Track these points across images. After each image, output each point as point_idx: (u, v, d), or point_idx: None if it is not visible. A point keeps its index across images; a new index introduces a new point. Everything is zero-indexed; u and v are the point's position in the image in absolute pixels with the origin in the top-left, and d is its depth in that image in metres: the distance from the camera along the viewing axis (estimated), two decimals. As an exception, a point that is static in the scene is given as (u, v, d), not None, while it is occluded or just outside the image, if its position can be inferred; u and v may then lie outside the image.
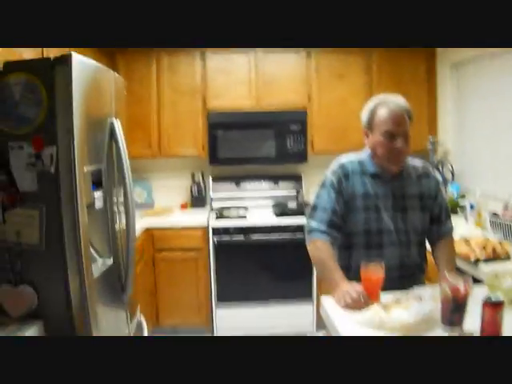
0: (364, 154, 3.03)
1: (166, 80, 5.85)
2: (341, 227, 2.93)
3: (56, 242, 2.68)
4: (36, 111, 2.63)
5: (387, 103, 2.85)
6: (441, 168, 5.97)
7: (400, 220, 2.93)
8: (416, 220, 2.98)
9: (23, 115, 2.63)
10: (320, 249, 2.87)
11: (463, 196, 5.54)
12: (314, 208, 2.98)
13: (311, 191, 6.43)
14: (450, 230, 3.14)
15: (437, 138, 6.23)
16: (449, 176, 5.90)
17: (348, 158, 3.02)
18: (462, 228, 4.72)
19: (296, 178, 6.42)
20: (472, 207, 5.13)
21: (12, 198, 2.67)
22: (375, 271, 2.55)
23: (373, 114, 2.88)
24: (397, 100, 2.88)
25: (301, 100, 6.01)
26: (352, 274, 2.82)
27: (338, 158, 3.05)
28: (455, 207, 5.43)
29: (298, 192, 6.30)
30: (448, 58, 6.03)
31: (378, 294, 2.55)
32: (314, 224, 2.93)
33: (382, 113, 2.83)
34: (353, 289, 2.55)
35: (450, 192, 5.68)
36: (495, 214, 4.30)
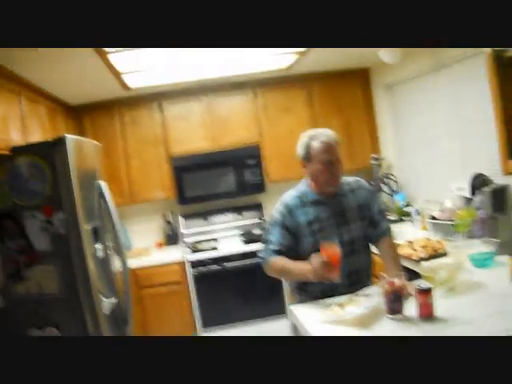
0: (302, 186, 3.44)
1: (130, 133, 6.36)
2: (289, 256, 3.28)
3: (71, 289, 3.30)
4: (43, 185, 3.28)
5: (318, 136, 3.23)
6: (386, 181, 6.56)
7: (345, 233, 3.29)
8: (358, 229, 3.35)
9: (33, 189, 3.28)
10: (275, 263, 3.27)
11: (409, 204, 6.14)
12: (265, 241, 3.40)
13: None
14: (387, 229, 3.45)
15: (380, 154, 6.79)
16: (395, 187, 6.48)
17: (289, 196, 3.41)
18: (410, 232, 5.32)
19: (257, 207, 6.95)
20: (417, 213, 5.76)
21: (31, 258, 3.29)
22: (331, 247, 2.95)
23: (308, 147, 3.25)
24: (325, 132, 3.27)
25: (253, 136, 6.55)
26: (309, 293, 3.35)
27: (281, 198, 3.43)
28: (403, 214, 6.02)
29: (260, 219, 6.82)
30: (381, 80, 6.62)
31: (338, 267, 2.93)
32: (264, 254, 3.37)
33: (317, 145, 3.20)
34: (315, 261, 2.92)
35: (397, 201, 6.25)
36: (433, 217, 4.83)
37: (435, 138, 5.63)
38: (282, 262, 3.26)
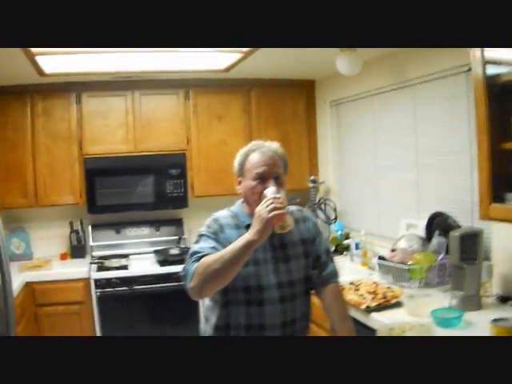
0: (236, 207, 2.96)
1: (41, 125, 5.80)
2: None
3: None
4: None
5: (259, 148, 2.84)
6: (323, 207, 6.23)
7: (283, 272, 2.84)
8: (301, 269, 2.91)
9: None
10: (203, 262, 2.57)
11: (347, 236, 5.79)
12: (191, 255, 2.70)
13: (193, 236, 6.53)
14: (334, 273, 3.06)
15: (318, 176, 6.49)
16: (332, 215, 6.14)
17: (221, 214, 2.91)
18: (348, 268, 4.99)
19: (177, 223, 6.49)
20: (357, 247, 5.41)
21: None
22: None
23: (244, 159, 2.85)
24: (270, 145, 2.88)
25: (180, 143, 6.15)
26: (232, 332, 2.80)
27: (212, 215, 2.92)
28: (340, 247, 5.68)
29: (179, 237, 6.38)
30: (326, 95, 6.35)
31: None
32: (190, 265, 2.64)
33: (254, 157, 2.80)
34: (262, 206, 2.49)
35: (334, 231, 5.92)
36: (382, 258, 4.43)
37: (385, 166, 5.35)
38: (210, 257, 2.59)
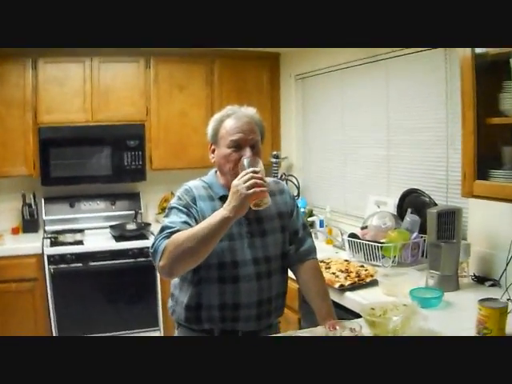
0: (209, 177, 2.83)
1: (-7, 91, 5.54)
2: None
3: None
4: None
5: (235, 113, 2.69)
6: (285, 183, 6.11)
7: (259, 247, 2.73)
8: (277, 244, 2.81)
9: None
10: (175, 238, 2.47)
11: (311, 213, 5.72)
12: (161, 230, 2.59)
13: (150, 211, 6.50)
14: (313, 249, 2.97)
15: (280, 151, 6.40)
16: (294, 191, 6.04)
17: (192, 183, 2.78)
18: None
19: (134, 197, 6.36)
20: (321, 224, 5.34)
21: None
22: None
23: (219, 125, 2.69)
24: (247, 110, 2.75)
25: (139, 113, 5.99)
26: (204, 312, 2.69)
27: (183, 186, 2.79)
28: (304, 224, 5.60)
29: (136, 212, 6.22)
30: (291, 68, 6.26)
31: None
32: (159, 242, 2.53)
33: (229, 123, 2.65)
34: (240, 180, 2.38)
35: (297, 208, 5.82)
36: (354, 235, 4.32)
37: (352, 142, 5.31)
38: (182, 233, 2.48)
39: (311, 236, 3.03)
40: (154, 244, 2.57)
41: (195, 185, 2.77)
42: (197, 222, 2.58)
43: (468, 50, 3.01)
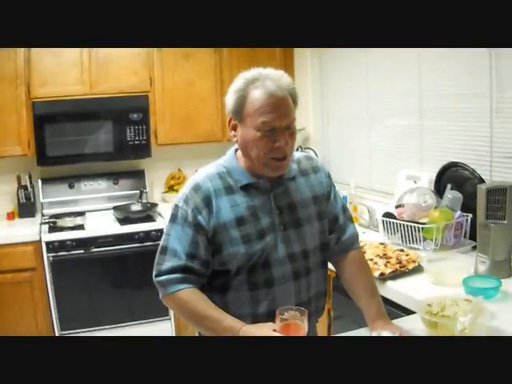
0: (228, 160, 2.44)
1: (-18, 64, 5.26)
2: (203, 274, 2.35)
3: None
4: None
5: (264, 82, 2.20)
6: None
7: (295, 240, 2.38)
8: (315, 235, 2.44)
9: None
10: (185, 301, 2.29)
11: (331, 188, 5.44)
12: (163, 250, 2.35)
13: (156, 189, 6.30)
14: (356, 237, 2.63)
15: (296, 123, 6.07)
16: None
17: (205, 173, 2.39)
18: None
19: (138, 175, 6.12)
20: (344, 201, 5.05)
21: None
22: (294, 328, 2.09)
23: (243, 97, 2.22)
24: (280, 79, 2.24)
25: (141, 84, 5.71)
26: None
27: (192, 178, 2.42)
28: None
29: (141, 191, 5.96)
30: None
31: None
32: (161, 278, 2.32)
33: (258, 97, 2.18)
34: (265, 331, 2.09)
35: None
36: (390, 214, 3.98)
37: (379, 111, 4.99)
38: (193, 304, 2.28)
39: (352, 221, 2.67)
40: (156, 271, 2.36)
41: (209, 176, 2.37)
42: (209, 238, 2.30)
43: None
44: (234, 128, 2.31)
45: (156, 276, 2.34)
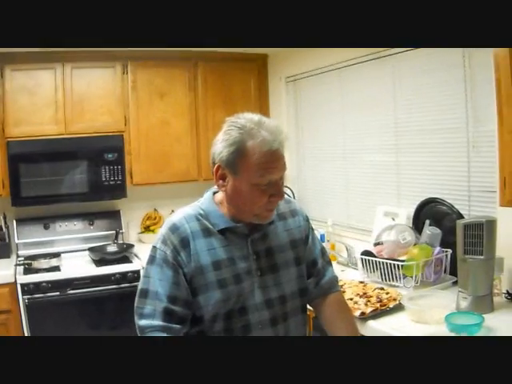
0: (206, 203, 2.36)
1: (-44, 103, 5.23)
2: (185, 316, 2.25)
3: None
4: None
5: (261, 132, 2.10)
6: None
7: (271, 286, 2.33)
8: (293, 280, 2.40)
9: None
10: None
11: (309, 227, 5.45)
12: (143, 293, 2.27)
13: (132, 230, 6.27)
14: (335, 280, 2.59)
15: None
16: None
17: (182, 214, 2.32)
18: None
19: (114, 215, 6.10)
20: (322, 239, 5.05)
21: None
22: None
23: (240, 150, 2.11)
24: (272, 127, 2.14)
25: (116, 123, 5.73)
26: None
27: (169, 219, 2.35)
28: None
29: (117, 232, 5.94)
30: (281, 71, 6.05)
31: None
32: (143, 322, 2.21)
33: (257, 151, 2.09)
34: None
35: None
36: (368, 252, 3.99)
37: (355, 148, 5.06)
38: None
39: (331, 264, 2.64)
40: (137, 315, 2.25)
41: (186, 216, 2.32)
42: (187, 279, 2.23)
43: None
44: (223, 177, 2.22)
45: (138, 320, 2.24)
